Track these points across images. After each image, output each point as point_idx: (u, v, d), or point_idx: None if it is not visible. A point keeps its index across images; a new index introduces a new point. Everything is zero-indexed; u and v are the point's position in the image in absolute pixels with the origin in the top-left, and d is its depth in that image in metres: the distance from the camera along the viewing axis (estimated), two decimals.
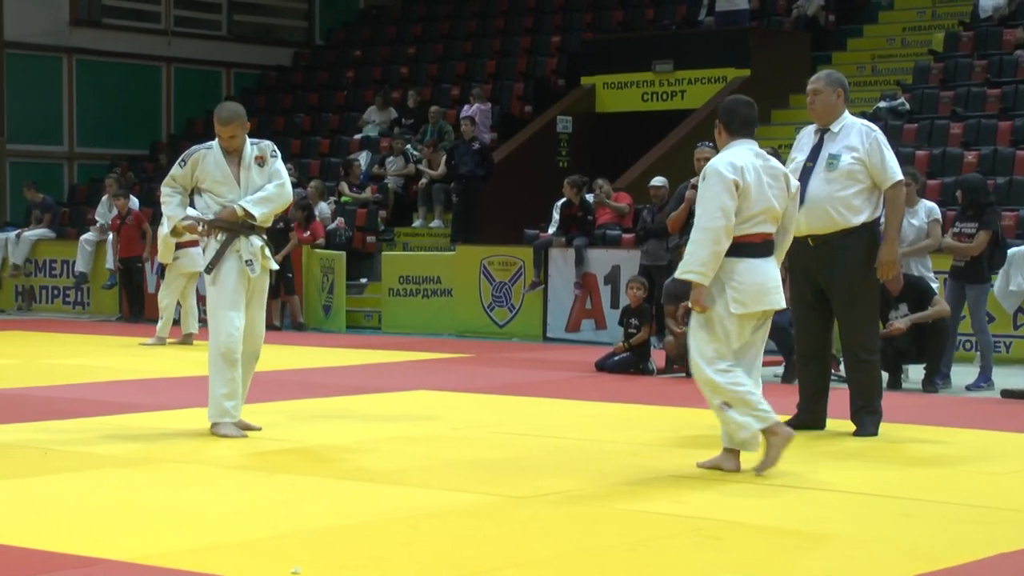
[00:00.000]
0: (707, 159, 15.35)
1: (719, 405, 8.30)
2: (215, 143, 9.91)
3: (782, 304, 8.42)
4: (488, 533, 6.89)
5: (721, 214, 8.21)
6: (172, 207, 10.01)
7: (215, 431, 9.82)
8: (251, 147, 9.92)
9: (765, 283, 8.34)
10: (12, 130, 27.13)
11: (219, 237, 9.85)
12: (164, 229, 16.43)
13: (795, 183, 8.69)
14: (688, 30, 25.71)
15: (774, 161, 8.60)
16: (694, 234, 8.31)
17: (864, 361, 10.07)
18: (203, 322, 10.28)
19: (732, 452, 8.47)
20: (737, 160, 8.34)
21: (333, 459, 9.13)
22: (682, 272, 8.39)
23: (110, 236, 22.52)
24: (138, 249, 21.40)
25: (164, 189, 10.05)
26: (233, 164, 9.88)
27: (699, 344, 8.35)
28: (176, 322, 17.84)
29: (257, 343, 10.07)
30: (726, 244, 8.21)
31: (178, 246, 16.90)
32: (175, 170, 9.98)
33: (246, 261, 9.83)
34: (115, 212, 22.42)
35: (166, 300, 17.64)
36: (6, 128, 27.07)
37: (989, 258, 13.34)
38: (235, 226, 9.84)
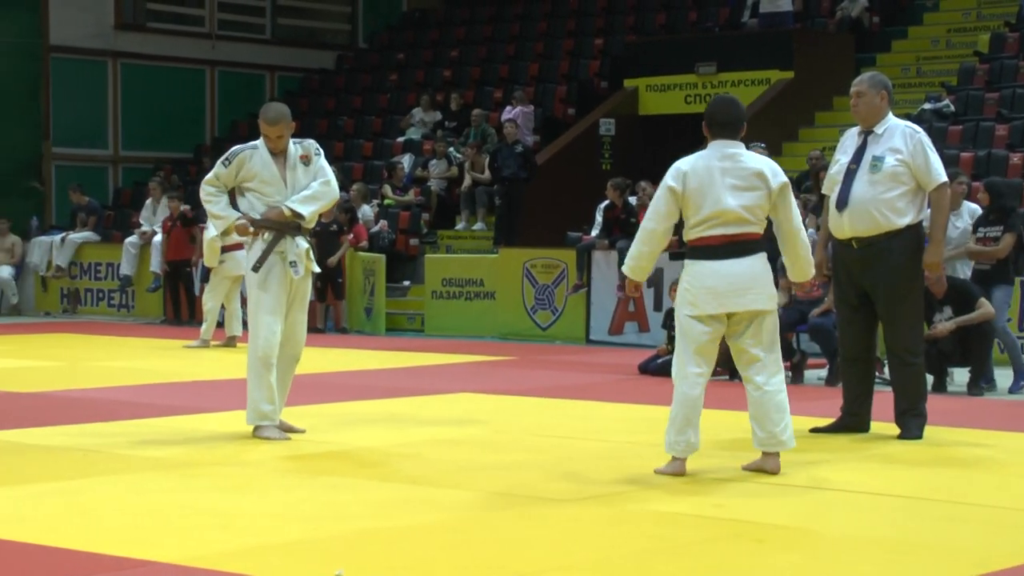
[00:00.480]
0: None
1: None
2: (260, 143, 9.91)
3: (745, 307, 8.30)
4: (530, 536, 6.88)
5: (650, 216, 8.46)
6: (220, 207, 9.99)
7: (257, 434, 9.84)
8: (295, 146, 9.93)
9: (717, 286, 8.30)
10: (58, 134, 27.27)
11: (265, 237, 9.85)
12: (210, 233, 16.51)
13: (780, 180, 8.39)
14: (731, 32, 25.64)
15: (748, 161, 8.40)
16: (638, 233, 8.63)
17: (909, 364, 10.02)
18: (246, 325, 10.28)
19: (772, 454, 8.46)
20: (684, 164, 8.40)
21: (376, 462, 9.13)
22: (623, 267, 8.73)
23: (157, 237, 22.61)
24: (187, 252, 21.48)
25: (207, 188, 9.99)
26: (279, 164, 9.88)
27: (678, 344, 8.56)
28: (220, 325, 17.90)
29: (298, 346, 10.08)
30: (655, 246, 8.47)
31: (223, 249, 16.96)
32: (219, 169, 9.96)
33: (290, 262, 9.83)
34: (166, 214, 22.53)
35: (210, 303, 17.70)
36: (51, 132, 27.21)
37: (1015, 261, 13.34)
38: (282, 226, 9.84)
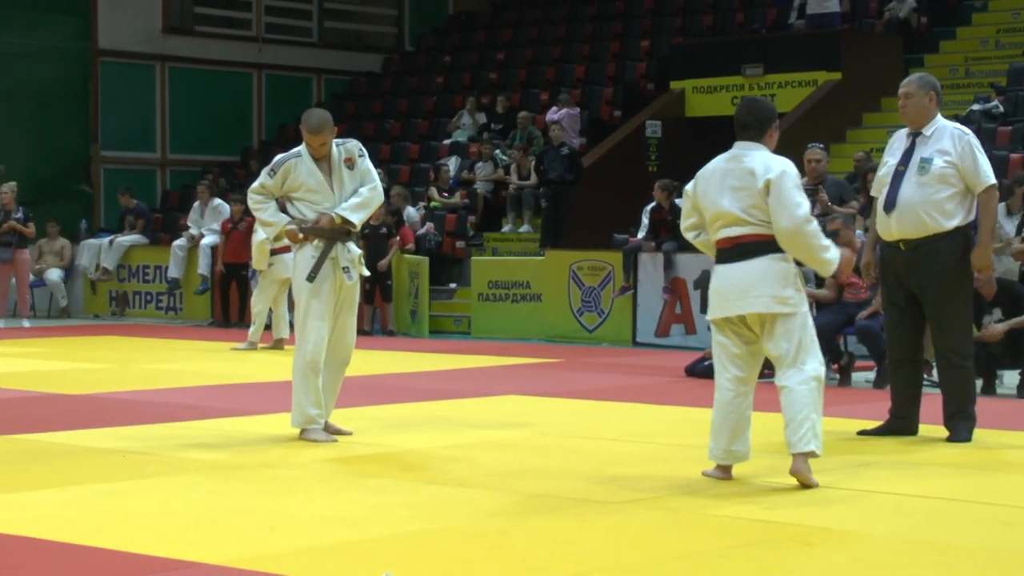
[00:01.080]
0: (818, 160, 15.43)
1: None
2: (303, 150, 9.91)
3: (742, 311, 8.16)
4: (578, 538, 6.87)
5: (684, 222, 8.53)
6: (270, 213, 10.02)
7: (304, 437, 9.86)
8: (337, 149, 9.93)
9: (722, 289, 8.25)
10: (106, 137, 27.42)
11: (316, 244, 9.86)
12: (259, 236, 16.56)
13: (766, 176, 8.13)
14: (778, 33, 25.58)
15: (747, 160, 8.24)
16: None
17: (958, 366, 9.96)
18: (294, 327, 10.32)
19: (796, 456, 8.14)
20: (703, 169, 8.44)
21: (422, 464, 9.14)
22: None
23: (205, 240, 22.68)
24: (245, 256, 21.52)
25: (254, 196, 10.03)
26: (324, 171, 9.88)
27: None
28: (267, 327, 17.95)
29: (348, 350, 10.09)
30: (696, 242, 8.52)
31: (272, 252, 17.01)
32: (264, 179, 9.97)
33: (343, 268, 9.85)
34: (215, 217, 22.61)
35: (259, 306, 17.75)
36: (100, 135, 27.37)
37: None
38: (333, 233, 9.86)
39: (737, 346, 8.28)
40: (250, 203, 10.13)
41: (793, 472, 8.10)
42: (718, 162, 8.37)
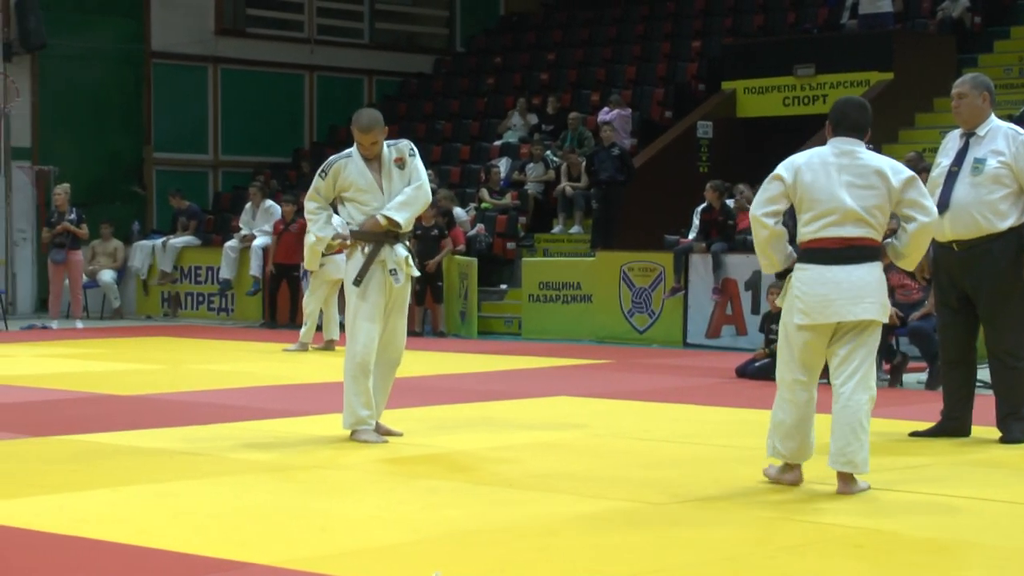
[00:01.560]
0: None
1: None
2: (354, 151, 9.94)
3: (856, 316, 7.89)
4: (627, 540, 6.87)
5: (755, 204, 8.09)
6: (319, 225, 10.07)
7: (355, 438, 9.88)
8: (388, 150, 9.94)
9: (829, 294, 7.89)
10: (159, 139, 27.56)
11: (365, 249, 9.88)
12: (312, 237, 16.60)
13: (904, 175, 8.01)
14: (830, 33, 25.48)
15: (866, 158, 8.05)
16: None
17: (1012, 367, 9.90)
18: (344, 328, 10.34)
19: (844, 476, 8.00)
20: (799, 157, 8.06)
21: (473, 465, 9.15)
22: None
23: (257, 241, 22.76)
24: (297, 257, 21.58)
25: (309, 205, 10.09)
26: (375, 170, 9.90)
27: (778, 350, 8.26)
28: (319, 328, 18.00)
29: (398, 351, 10.11)
30: (763, 233, 8.01)
31: (323, 253, 17.03)
32: (317, 182, 10.01)
33: (391, 270, 9.86)
34: (267, 218, 22.68)
35: (311, 306, 17.80)
36: (153, 137, 27.51)
37: None
38: (380, 236, 9.88)
39: (818, 351, 8.02)
40: (306, 212, 10.20)
41: (842, 491, 7.94)
42: (824, 155, 8.02)
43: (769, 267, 8.22)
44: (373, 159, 9.90)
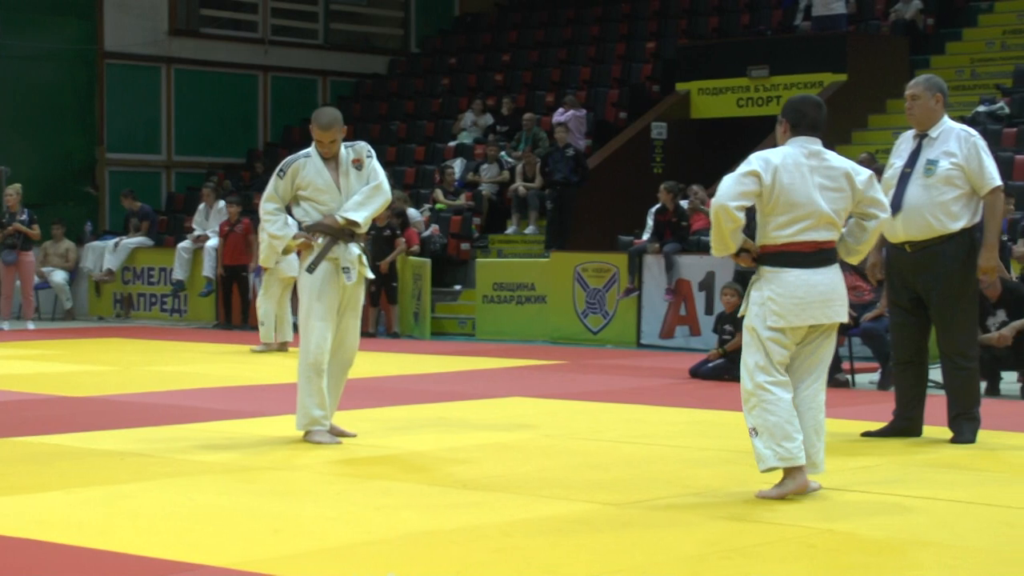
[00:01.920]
0: None
1: (749, 428, 7.93)
2: (312, 151, 9.93)
3: (830, 319, 7.91)
4: (581, 540, 6.87)
5: (722, 193, 7.81)
6: (278, 227, 9.98)
7: (308, 438, 9.87)
8: (346, 151, 9.94)
9: (807, 296, 7.85)
10: (112, 139, 27.45)
11: (319, 240, 9.87)
12: (265, 235, 16.52)
13: (865, 174, 8.04)
14: (784, 35, 25.58)
15: (834, 160, 8.01)
16: None
17: (962, 368, 9.96)
18: (297, 328, 10.32)
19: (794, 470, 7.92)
20: (774, 156, 7.90)
21: (427, 466, 9.14)
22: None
23: (210, 242, 22.71)
24: (244, 257, 21.55)
25: (268, 206, 10.01)
26: (332, 170, 9.89)
27: (744, 355, 8.03)
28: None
29: (351, 351, 10.10)
30: (731, 225, 7.77)
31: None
32: (276, 182, 9.96)
33: (343, 268, 9.85)
34: (220, 218, 22.61)
35: (265, 306, 17.75)
36: (106, 137, 27.39)
37: None
38: (336, 232, 9.86)
39: (790, 352, 7.95)
40: (262, 213, 10.11)
41: (806, 490, 7.90)
42: (796, 155, 7.91)
43: (723, 251, 7.95)
44: (331, 159, 9.89)
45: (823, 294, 7.90)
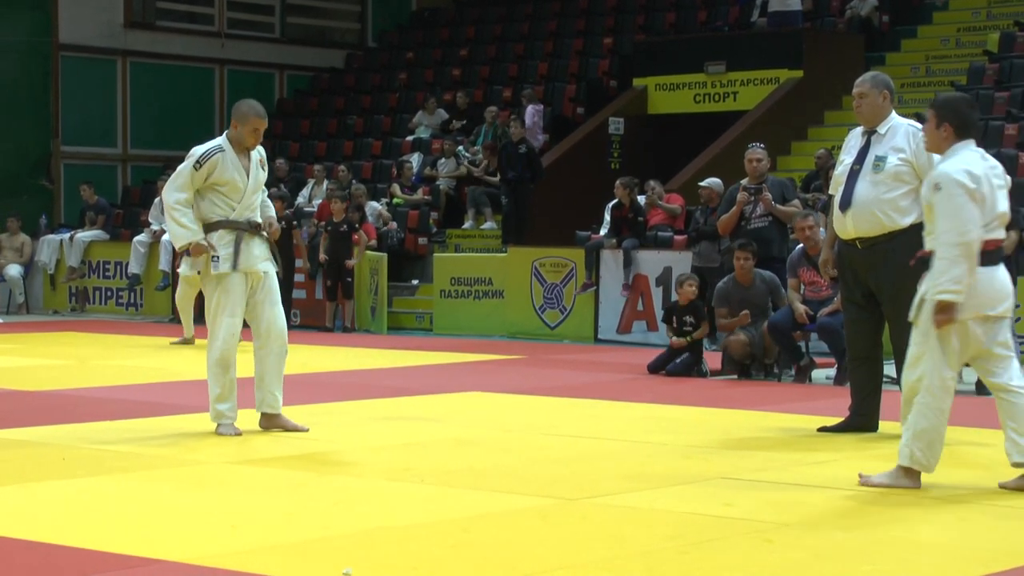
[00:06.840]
0: (759, 159, 15.35)
1: (907, 421, 8.18)
2: (224, 143, 9.91)
3: (1008, 312, 8.16)
4: (539, 535, 6.89)
5: (972, 226, 7.90)
6: (189, 219, 9.88)
7: (218, 432, 9.95)
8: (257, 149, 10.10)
9: (1005, 287, 8.10)
10: (67, 132, 27.30)
11: (225, 239, 9.86)
12: (178, 228, 16.22)
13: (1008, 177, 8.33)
14: (740, 32, 25.64)
15: (994, 161, 8.27)
16: (943, 251, 7.92)
17: None
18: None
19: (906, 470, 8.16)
20: (975, 168, 8.00)
21: (384, 461, 9.13)
22: (936, 292, 7.96)
23: (166, 236, 22.61)
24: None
25: (179, 196, 9.86)
26: (244, 160, 9.94)
27: (932, 351, 8.16)
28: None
29: (281, 339, 10.07)
30: (979, 257, 7.96)
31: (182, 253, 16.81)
32: (191, 173, 9.84)
33: (213, 258, 9.81)
34: None
35: (182, 302, 17.65)
36: (61, 130, 27.25)
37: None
38: (241, 226, 9.88)
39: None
40: (172, 202, 9.90)
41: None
42: (981, 163, 8.08)
43: (963, 296, 7.94)
44: (243, 153, 9.92)
45: (1007, 285, 8.16)
